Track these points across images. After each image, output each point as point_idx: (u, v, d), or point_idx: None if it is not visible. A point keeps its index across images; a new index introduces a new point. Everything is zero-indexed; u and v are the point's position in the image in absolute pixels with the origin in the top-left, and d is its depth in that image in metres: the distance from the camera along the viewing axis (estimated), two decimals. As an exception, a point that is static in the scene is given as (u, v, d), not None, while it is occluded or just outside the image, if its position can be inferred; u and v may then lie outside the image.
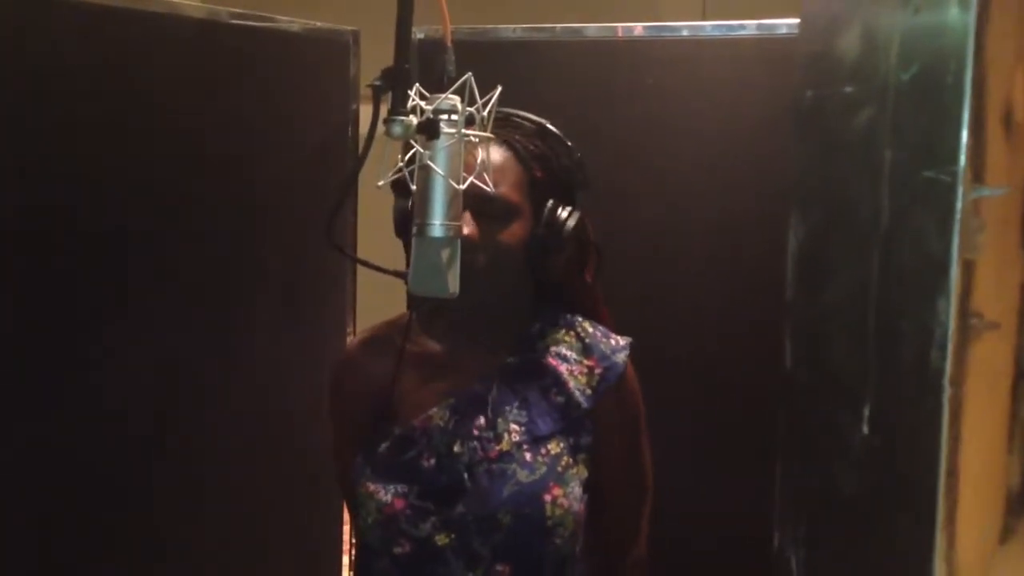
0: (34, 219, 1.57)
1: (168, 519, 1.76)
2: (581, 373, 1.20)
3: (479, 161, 1.12)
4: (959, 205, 0.57)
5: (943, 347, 0.59)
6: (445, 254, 1.06)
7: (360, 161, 1.09)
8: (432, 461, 1.15)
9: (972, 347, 0.63)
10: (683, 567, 1.77)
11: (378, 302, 1.77)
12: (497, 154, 1.18)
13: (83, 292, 1.63)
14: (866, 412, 0.70)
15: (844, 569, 0.74)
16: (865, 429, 0.70)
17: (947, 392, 0.58)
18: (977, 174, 0.61)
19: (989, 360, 0.64)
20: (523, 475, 1.12)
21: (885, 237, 0.68)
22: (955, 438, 0.63)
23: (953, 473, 0.63)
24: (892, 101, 0.67)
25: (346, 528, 1.99)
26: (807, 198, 0.83)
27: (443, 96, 1.07)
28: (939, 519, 0.58)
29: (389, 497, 1.13)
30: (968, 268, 0.61)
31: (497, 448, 1.14)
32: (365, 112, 2.05)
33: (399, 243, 1.27)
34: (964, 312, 0.62)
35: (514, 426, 1.16)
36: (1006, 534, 0.66)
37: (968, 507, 0.64)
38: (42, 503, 1.60)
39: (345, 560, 2.02)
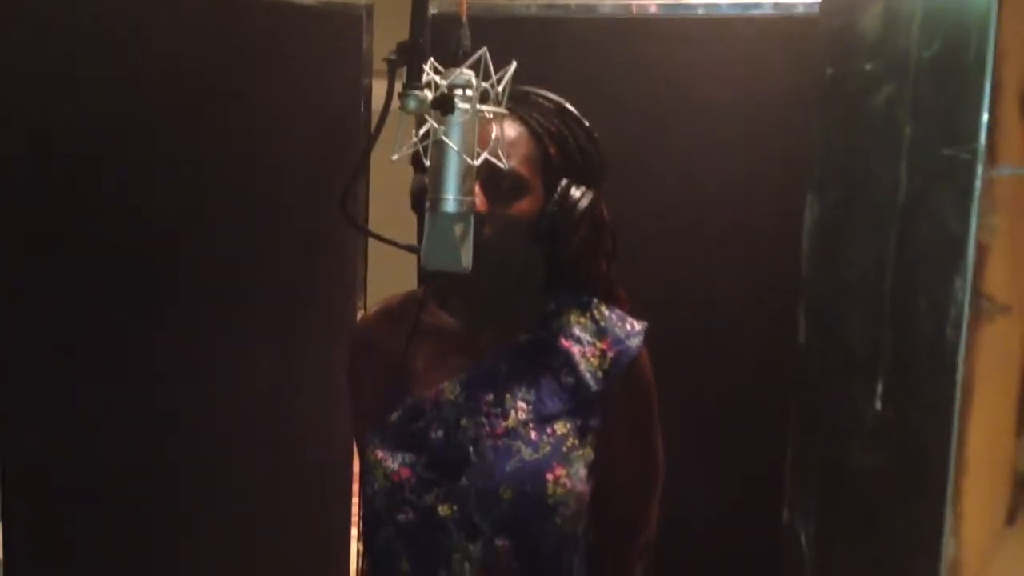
0: (50, 179, 1.58)
1: (181, 489, 1.78)
2: (593, 355, 1.19)
3: (493, 137, 1.11)
4: (978, 183, 0.57)
5: (958, 325, 0.59)
6: (458, 229, 1.06)
7: (374, 136, 1.09)
8: (440, 433, 1.15)
9: (983, 329, 0.63)
10: (693, 544, 1.78)
11: (389, 278, 1.78)
12: (510, 129, 1.17)
13: (96, 258, 1.65)
14: (879, 388, 0.70)
15: (853, 544, 0.75)
16: (878, 405, 0.70)
17: (961, 370, 0.58)
18: (991, 153, 0.61)
19: (1000, 343, 0.64)
20: (527, 452, 1.12)
21: (902, 214, 0.68)
22: (966, 417, 0.64)
23: (963, 451, 0.63)
24: (913, 78, 0.67)
25: (355, 500, 2.01)
26: (825, 174, 0.83)
27: (458, 71, 1.07)
28: (950, 494, 0.59)
29: (396, 465, 1.14)
30: (981, 250, 0.61)
31: (503, 424, 1.14)
32: (378, 86, 2.04)
33: (411, 219, 1.27)
34: (976, 294, 0.62)
35: (521, 404, 1.16)
36: (1013, 516, 0.66)
37: (976, 487, 0.65)
38: (69, 488, 1.63)
39: (354, 532, 2.04)
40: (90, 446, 1.67)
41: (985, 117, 0.58)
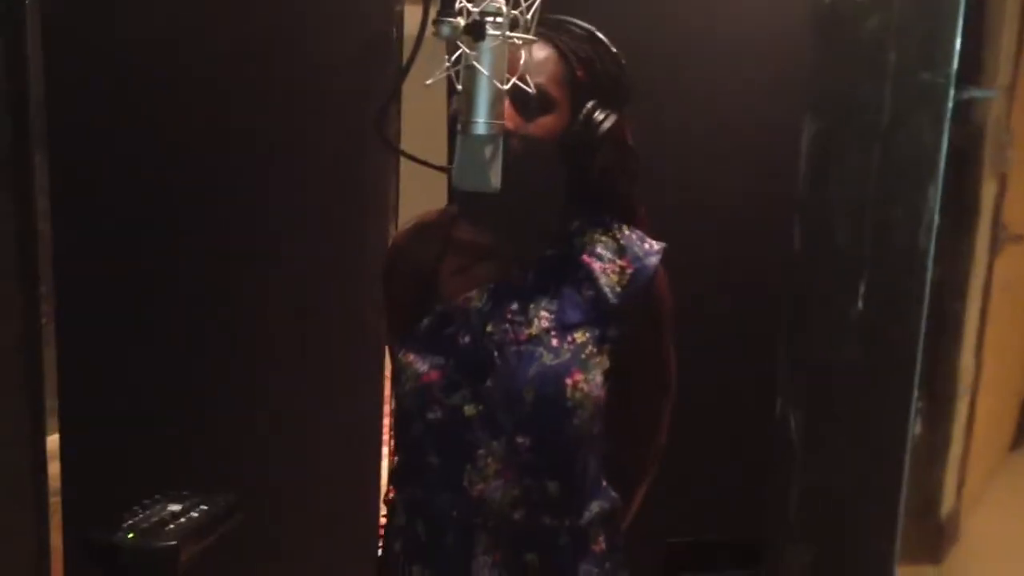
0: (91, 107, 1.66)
1: (216, 400, 1.88)
2: (613, 272, 1.26)
3: (522, 62, 1.17)
4: (950, 104, 0.64)
5: (929, 231, 0.66)
6: (488, 150, 1.13)
7: (410, 60, 1.15)
8: (467, 339, 1.23)
9: (997, 259, 0.69)
10: (698, 430, 1.88)
11: (419, 201, 1.85)
12: (540, 51, 1.22)
13: (131, 183, 1.73)
14: (861, 288, 0.78)
15: (835, 427, 0.83)
16: (860, 304, 0.78)
17: (930, 271, 0.66)
18: (1013, 83, 0.66)
19: (1013, 271, 0.70)
20: (548, 358, 1.20)
21: (886, 132, 0.75)
22: (981, 341, 0.69)
23: (979, 373, 0.69)
24: (898, 8, 0.73)
25: (387, 408, 2.09)
26: (821, 96, 0.89)
27: None
28: (916, 382, 0.67)
29: (426, 367, 1.22)
30: (1001, 181, 0.67)
31: (527, 332, 1.22)
32: (410, 11, 2.09)
33: (440, 142, 1.33)
34: (996, 225, 0.68)
35: (544, 313, 1.23)
36: (1018, 441, 0.72)
37: (984, 407, 0.71)
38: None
39: (385, 436, 2.14)
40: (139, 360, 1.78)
41: (958, 45, 0.65)
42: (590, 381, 1.20)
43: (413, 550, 1.28)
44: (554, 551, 1.24)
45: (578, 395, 1.19)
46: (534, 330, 1.22)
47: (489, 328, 1.22)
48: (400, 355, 1.25)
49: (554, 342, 1.21)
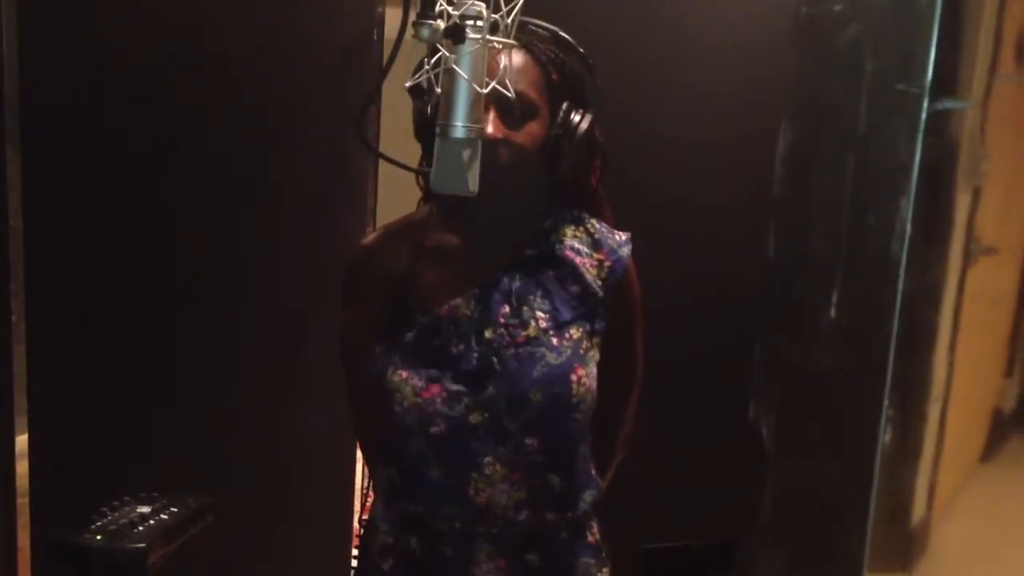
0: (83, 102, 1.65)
1: (189, 402, 1.87)
2: (592, 265, 1.28)
3: (502, 67, 1.18)
4: (923, 115, 0.64)
5: (902, 240, 0.67)
6: (466, 154, 1.13)
7: (389, 63, 1.15)
8: (461, 347, 1.23)
9: (970, 270, 0.70)
10: (669, 439, 1.90)
11: (397, 205, 1.85)
12: (518, 56, 1.23)
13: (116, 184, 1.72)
14: (834, 296, 0.79)
15: (806, 433, 0.84)
16: (833, 312, 0.79)
17: (902, 281, 0.66)
18: (986, 97, 0.67)
19: (988, 283, 0.71)
20: (551, 357, 1.21)
21: (861, 142, 0.76)
22: (954, 352, 0.70)
23: (949, 384, 0.70)
24: (875, 19, 0.74)
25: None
26: (799, 106, 0.90)
27: (470, 2, 1.13)
28: (887, 389, 0.68)
29: (423, 382, 1.21)
30: (975, 194, 0.68)
31: (524, 334, 1.22)
32: (390, 14, 2.09)
33: (417, 148, 1.32)
34: (969, 237, 0.69)
35: (539, 313, 1.23)
36: (988, 453, 0.73)
37: (955, 419, 0.72)
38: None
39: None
40: (116, 363, 1.77)
41: (932, 56, 0.66)
42: (589, 375, 1.22)
43: (407, 567, 1.27)
44: (554, 548, 1.25)
45: (581, 390, 1.21)
46: (531, 331, 1.22)
47: (488, 334, 1.22)
48: (390, 373, 1.24)
49: (554, 341, 1.22)
